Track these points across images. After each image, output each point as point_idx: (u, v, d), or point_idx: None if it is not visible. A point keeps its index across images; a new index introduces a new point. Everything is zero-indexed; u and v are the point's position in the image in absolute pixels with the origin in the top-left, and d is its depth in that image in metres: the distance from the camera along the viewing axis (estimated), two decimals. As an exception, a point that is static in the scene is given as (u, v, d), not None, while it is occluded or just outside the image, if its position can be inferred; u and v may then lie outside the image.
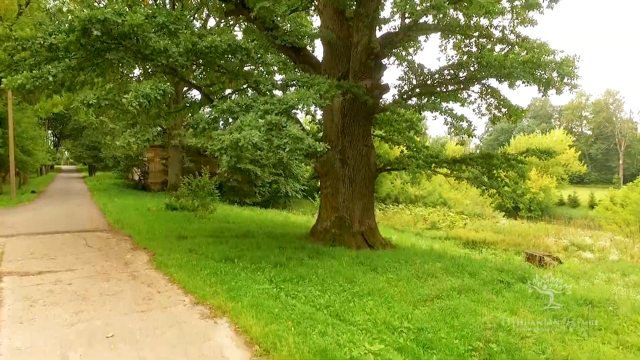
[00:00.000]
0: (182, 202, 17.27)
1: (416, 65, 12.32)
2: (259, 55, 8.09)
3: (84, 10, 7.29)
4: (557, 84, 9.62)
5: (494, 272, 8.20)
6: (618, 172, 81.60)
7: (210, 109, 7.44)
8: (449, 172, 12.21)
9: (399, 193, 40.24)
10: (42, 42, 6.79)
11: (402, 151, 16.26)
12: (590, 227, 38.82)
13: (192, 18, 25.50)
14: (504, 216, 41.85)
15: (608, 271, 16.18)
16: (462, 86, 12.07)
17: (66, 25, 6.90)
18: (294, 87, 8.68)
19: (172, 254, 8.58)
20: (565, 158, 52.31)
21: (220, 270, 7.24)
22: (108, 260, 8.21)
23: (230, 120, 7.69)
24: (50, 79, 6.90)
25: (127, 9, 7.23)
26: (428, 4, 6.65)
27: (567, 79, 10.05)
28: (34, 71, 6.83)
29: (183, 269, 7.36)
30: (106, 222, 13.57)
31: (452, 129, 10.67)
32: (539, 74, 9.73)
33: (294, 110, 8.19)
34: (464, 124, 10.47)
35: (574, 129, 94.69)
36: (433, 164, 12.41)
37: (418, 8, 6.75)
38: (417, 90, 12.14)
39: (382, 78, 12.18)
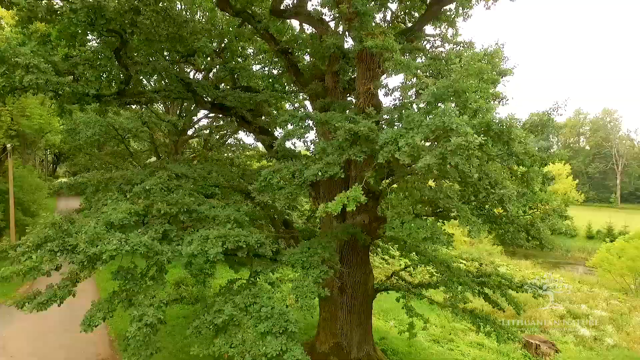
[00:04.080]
0: (182, 291, 17.46)
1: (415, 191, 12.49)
2: (258, 245, 8.26)
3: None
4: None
5: None
6: (615, 192, 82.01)
7: (210, 315, 7.62)
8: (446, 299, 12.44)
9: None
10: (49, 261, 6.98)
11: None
12: (586, 266, 39.25)
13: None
14: (501, 253, 42.43)
15: (604, 364, 16.44)
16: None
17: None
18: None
19: None
20: (563, 188, 52.59)
21: None
22: None
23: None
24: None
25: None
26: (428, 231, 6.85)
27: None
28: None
29: None
30: (108, 336, 13.74)
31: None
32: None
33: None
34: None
35: (571, 145, 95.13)
36: (429, 286, 12.69)
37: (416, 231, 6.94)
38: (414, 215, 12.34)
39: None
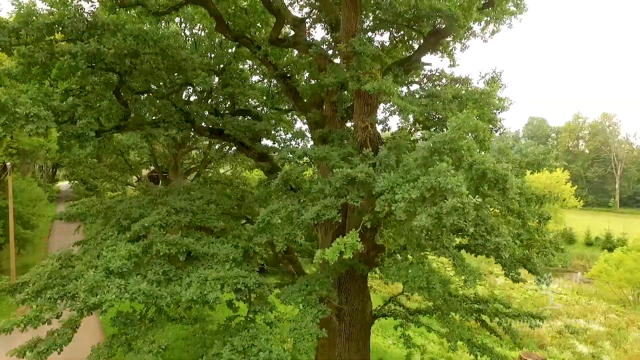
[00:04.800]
0: (180, 311, 17.52)
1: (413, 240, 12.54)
2: (257, 286, 8.32)
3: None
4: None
5: None
6: (614, 196, 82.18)
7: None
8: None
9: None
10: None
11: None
12: (585, 275, 39.47)
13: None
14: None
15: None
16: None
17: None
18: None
19: None
20: (561, 195, 52.67)
21: None
22: None
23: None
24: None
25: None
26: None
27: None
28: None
29: None
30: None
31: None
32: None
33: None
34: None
35: (570, 149, 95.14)
36: (426, 312, 12.75)
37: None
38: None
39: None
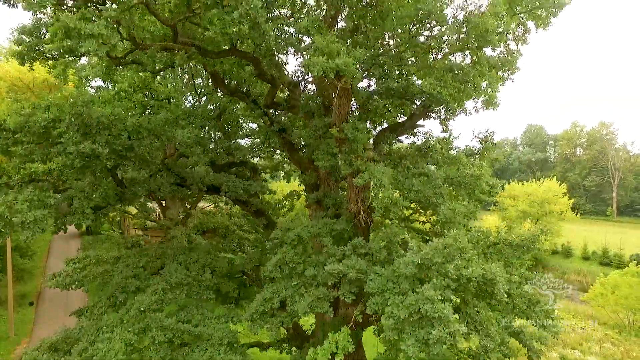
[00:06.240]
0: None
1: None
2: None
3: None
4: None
5: None
6: (612, 205, 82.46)
7: None
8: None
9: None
10: None
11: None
12: (583, 286, 39.68)
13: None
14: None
15: None
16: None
17: None
18: None
19: None
20: (558, 208, 52.88)
21: None
22: None
23: None
24: None
25: None
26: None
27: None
28: None
29: None
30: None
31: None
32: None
33: None
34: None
35: (569, 157, 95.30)
36: None
37: None
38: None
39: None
